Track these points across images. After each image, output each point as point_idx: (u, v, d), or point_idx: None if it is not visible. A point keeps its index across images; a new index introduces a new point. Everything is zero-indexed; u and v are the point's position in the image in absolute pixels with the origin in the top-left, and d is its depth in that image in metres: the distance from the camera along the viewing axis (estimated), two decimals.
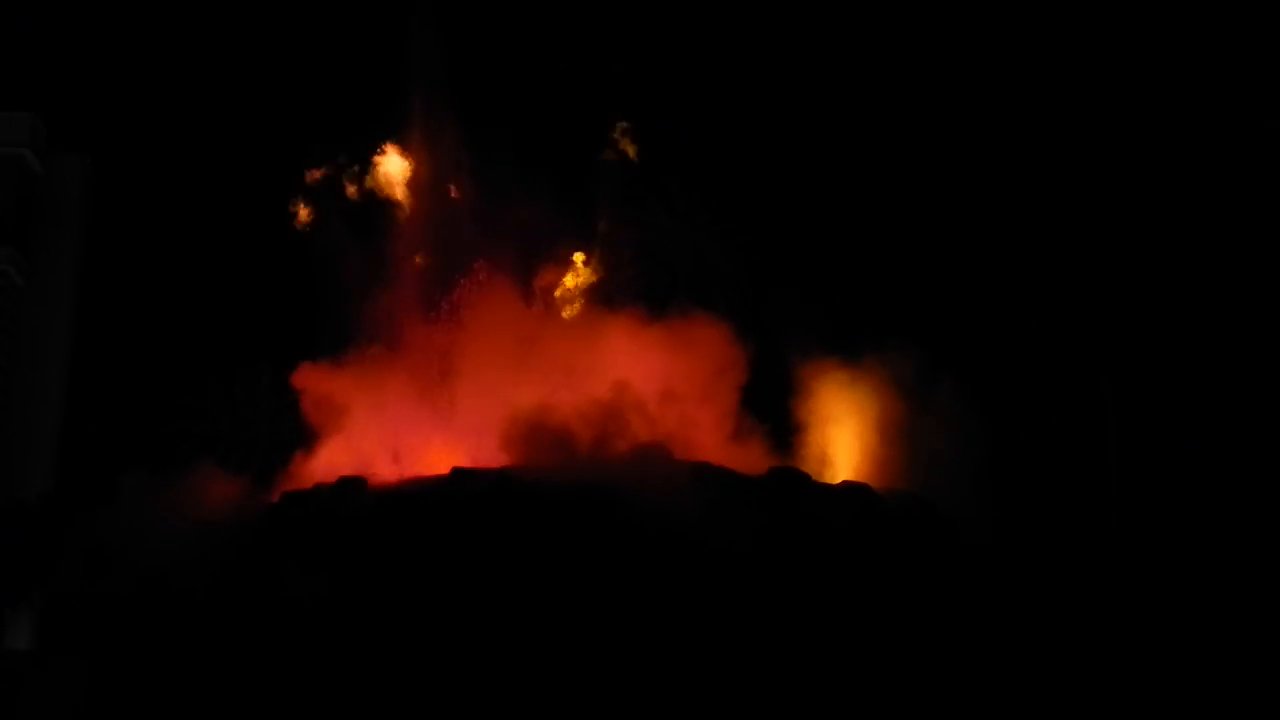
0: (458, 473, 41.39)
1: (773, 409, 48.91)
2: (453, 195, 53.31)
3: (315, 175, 52.89)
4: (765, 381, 48.75)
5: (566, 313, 52.67)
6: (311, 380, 48.97)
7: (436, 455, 44.98)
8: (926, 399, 47.02)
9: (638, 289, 68.34)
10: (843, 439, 47.52)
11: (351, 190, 53.80)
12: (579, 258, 53.94)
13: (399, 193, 53.58)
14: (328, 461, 45.89)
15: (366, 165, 53.79)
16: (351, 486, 41.87)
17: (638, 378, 46.22)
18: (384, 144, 53.91)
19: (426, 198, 53.84)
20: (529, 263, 53.04)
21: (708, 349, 48.03)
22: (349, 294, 52.06)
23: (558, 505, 38.42)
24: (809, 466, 45.66)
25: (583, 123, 59.80)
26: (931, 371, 47.49)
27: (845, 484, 43.81)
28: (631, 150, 57.30)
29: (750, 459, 45.17)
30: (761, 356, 49.16)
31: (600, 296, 53.53)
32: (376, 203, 53.58)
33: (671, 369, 47.31)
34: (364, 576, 37.81)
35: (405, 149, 54.14)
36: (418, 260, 53.10)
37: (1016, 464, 59.75)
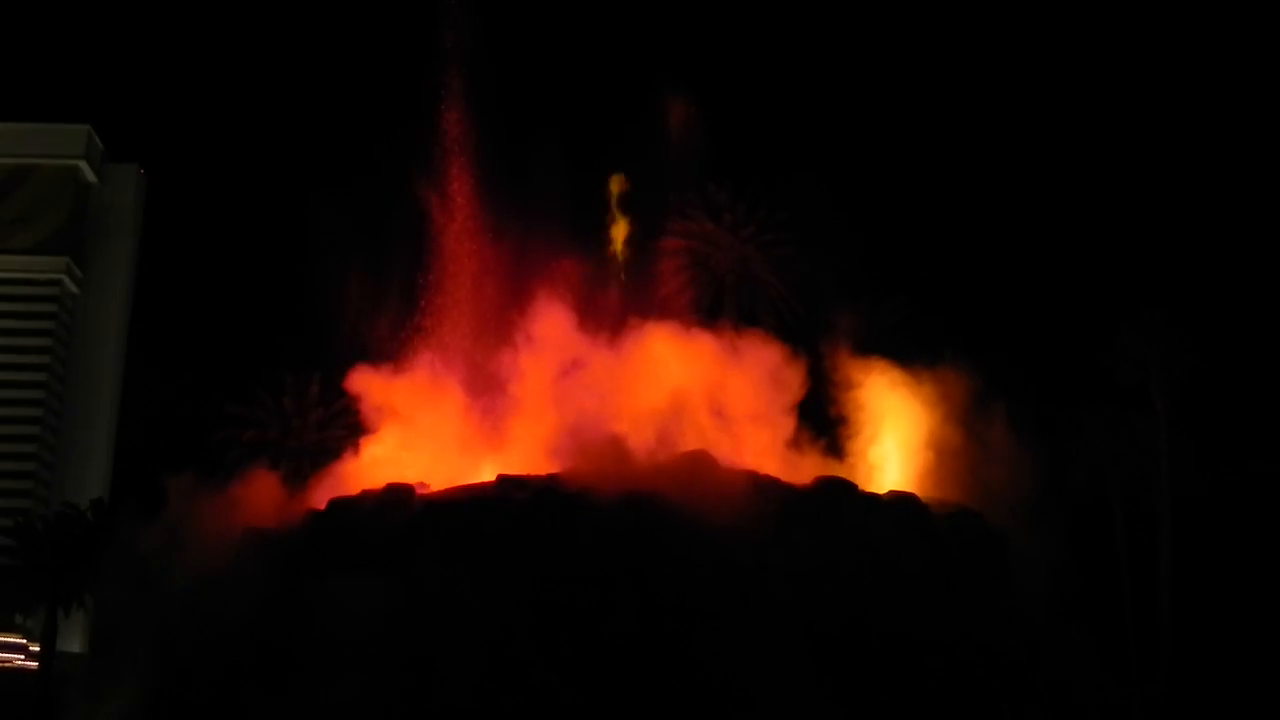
0: (504, 480, 41.40)
1: (824, 414, 48.64)
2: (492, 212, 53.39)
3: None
4: (817, 388, 48.48)
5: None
6: (366, 384, 49.20)
7: (485, 465, 45.05)
8: (979, 418, 46.71)
9: (687, 299, 68.48)
10: (892, 446, 47.19)
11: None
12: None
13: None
14: (375, 469, 45.97)
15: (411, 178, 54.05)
16: (399, 494, 41.91)
17: (690, 388, 46.27)
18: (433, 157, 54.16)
19: (472, 212, 54.00)
20: (577, 275, 53.01)
21: (761, 364, 47.82)
22: (399, 306, 52.36)
23: (603, 512, 38.37)
24: (858, 474, 45.32)
25: (629, 133, 59.92)
26: (985, 393, 47.20)
27: (892, 494, 43.46)
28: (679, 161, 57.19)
29: (800, 467, 44.85)
30: (814, 365, 48.96)
31: (650, 308, 53.36)
32: (423, 214, 53.85)
33: (725, 382, 47.17)
34: (411, 584, 37.83)
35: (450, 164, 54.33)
36: (465, 274, 53.28)
37: (1067, 491, 59.44)
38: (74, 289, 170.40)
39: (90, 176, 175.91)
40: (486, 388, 49.76)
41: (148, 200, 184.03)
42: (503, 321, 51.44)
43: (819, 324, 58.74)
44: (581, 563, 37.57)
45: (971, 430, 46.61)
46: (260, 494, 45.07)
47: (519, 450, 45.85)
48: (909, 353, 49.75)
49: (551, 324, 49.94)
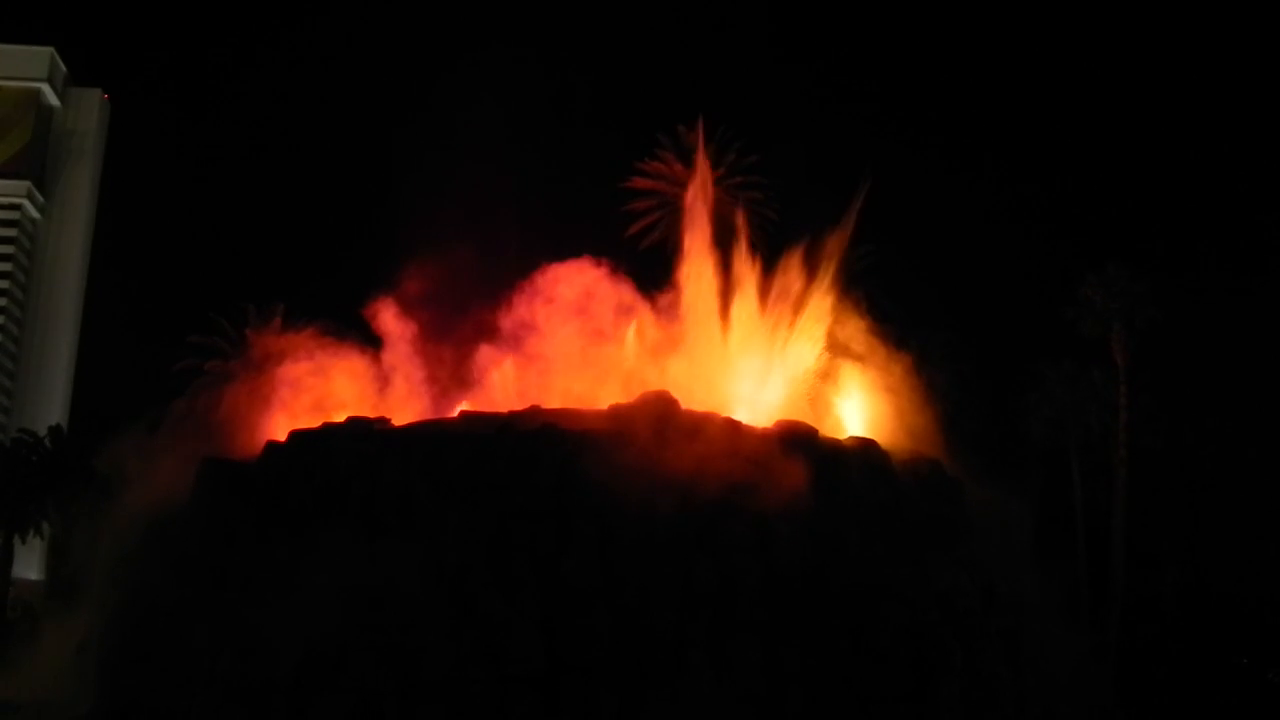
0: (467, 416, 41.41)
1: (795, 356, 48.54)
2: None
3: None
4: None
5: None
6: (389, 322, 48.45)
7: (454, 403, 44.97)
8: (943, 368, 46.87)
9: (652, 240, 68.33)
10: (858, 392, 47.26)
11: None
12: None
13: None
14: (341, 402, 45.79)
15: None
16: (360, 427, 41.81)
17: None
18: None
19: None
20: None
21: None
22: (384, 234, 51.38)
23: (564, 450, 38.35)
24: (822, 419, 45.37)
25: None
26: (950, 343, 47.29)
27: (854, 440, 43.58)
28: None
29: (768, 408, 44.84)
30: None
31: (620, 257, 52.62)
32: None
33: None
34: (370, 517, 37.79)
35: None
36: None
37: (1027, 441, 59.80)
38: (35, 214, 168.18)
39: (53, 100, 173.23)
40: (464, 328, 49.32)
41: (111, 125, 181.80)
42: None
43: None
44: (541, 499, 37.62)
45: (935, 379, 46.76)
46: (221, 424, 44.84)
47: (489, 390, 45.86)
48: (876, 300, 49.78)
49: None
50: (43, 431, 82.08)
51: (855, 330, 47.82)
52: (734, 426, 40.89)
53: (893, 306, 49.29)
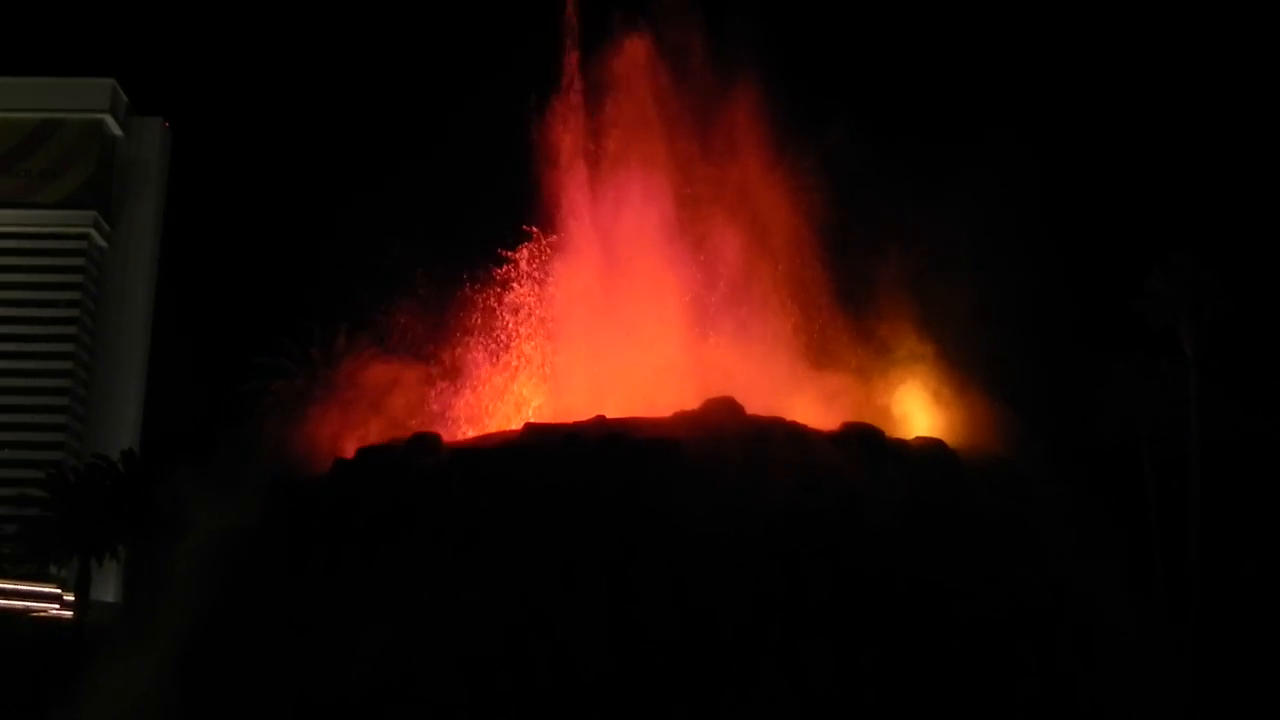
0: (531, 428, 41.56)
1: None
2: None
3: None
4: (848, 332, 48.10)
5: None
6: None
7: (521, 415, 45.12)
8: (1006, 363, 46.48)
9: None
10: (920, 391, 46.94)
11: None
12: None
13: None
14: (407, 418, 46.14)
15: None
16: (426, 442, 42.11)
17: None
18: None
19: None
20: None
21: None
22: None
23: (629, 461, 38.35)
24: (888, 419, 45.09)
25: None
26: (1014, 338, 46.89)
27: (920, 440, 43.29)
28: None
29: (831, 410, 44.53)
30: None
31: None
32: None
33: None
34: (438, 533, 37.99)
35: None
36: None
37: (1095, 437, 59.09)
38: (102, 242, 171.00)
39: (116, 130, 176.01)
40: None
41: (173, 153, 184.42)
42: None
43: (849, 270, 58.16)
44: (608, 508, 37.61)
45: (999, 375, 46.34)
46: (288, 443, 45.34)
47: (555, 398, 46.00)
48: (935, 299, 49.44)
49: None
50: (115, 456, 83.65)
51: (916, 343, 47.50)
52: (799, 430, 40.74)
53: (952, 304, 48.84)
